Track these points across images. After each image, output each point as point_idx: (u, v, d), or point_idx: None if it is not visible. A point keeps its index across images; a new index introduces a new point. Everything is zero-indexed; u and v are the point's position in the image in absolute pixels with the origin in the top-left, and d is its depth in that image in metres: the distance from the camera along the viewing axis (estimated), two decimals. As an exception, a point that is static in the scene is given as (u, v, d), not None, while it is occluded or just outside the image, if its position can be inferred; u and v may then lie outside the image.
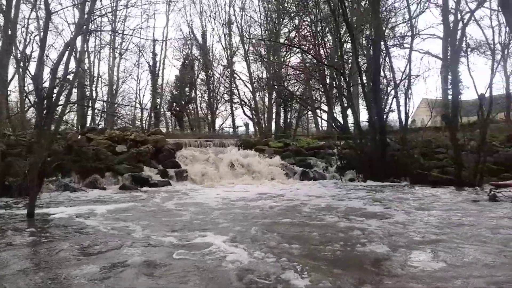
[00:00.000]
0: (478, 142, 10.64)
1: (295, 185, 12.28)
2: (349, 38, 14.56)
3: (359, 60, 15.42)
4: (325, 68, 19.96)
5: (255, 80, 26.98)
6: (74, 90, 26.21)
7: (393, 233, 4.63)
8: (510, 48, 21.29)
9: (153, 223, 5.46)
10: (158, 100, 30.17)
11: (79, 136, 13.12)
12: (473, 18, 15.78)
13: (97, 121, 27.70)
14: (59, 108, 7.70)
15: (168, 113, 34.29)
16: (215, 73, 30.73)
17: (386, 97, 14.25)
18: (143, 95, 32.89)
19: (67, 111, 28.46)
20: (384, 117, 15.40)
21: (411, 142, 14.30)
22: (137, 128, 20.30)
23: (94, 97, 28.27)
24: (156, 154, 13.16)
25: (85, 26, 10.55)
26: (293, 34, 25.25)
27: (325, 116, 25.50)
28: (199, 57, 30.47)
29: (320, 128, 29.51)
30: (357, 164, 13.62)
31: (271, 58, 26.22)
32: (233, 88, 28.35)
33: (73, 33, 11.16)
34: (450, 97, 20.02)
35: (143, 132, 15.65)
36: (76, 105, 23.89)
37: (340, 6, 12.73)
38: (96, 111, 27.38)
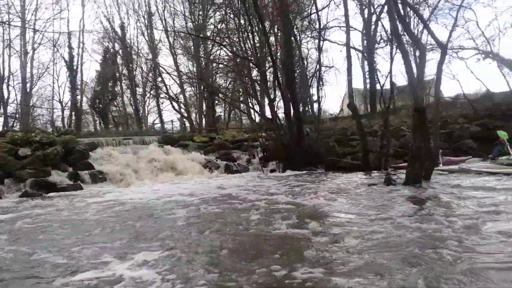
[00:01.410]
0: (381, 128, 11.35)
1: (217, 179, 12.23)
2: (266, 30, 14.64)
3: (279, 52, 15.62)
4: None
5: (182, 74, 26.36)
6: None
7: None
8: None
9: (37, 240, 4.76)
10: (79, 97, 28.33)
11: (-26, 141, 11.82)
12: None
13: (10, 124, 25.31)
14: None
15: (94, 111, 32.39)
16: (143, 68, 29.55)
17: (302, 88, 14.65)
18: (63, 93, 30.45)
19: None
20: (306, 107, 15.88)
21: (329, 131, 14.95)
22: (45, 129, 18.87)
23: (6, 97, 25.83)
24: (66, 156, 12.31)
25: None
26: (219, 27, 24.87)
27: (256, 108, 25.56)
28: (120, 50, 29.03)
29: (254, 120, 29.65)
30: (278, 155, 13.92)
31: (199, 51, 25.73)
32: (159, 82, 27.48)
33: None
34: (368, 86, 21.25)
35: (52, 133, 14.54)
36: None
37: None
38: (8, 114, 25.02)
